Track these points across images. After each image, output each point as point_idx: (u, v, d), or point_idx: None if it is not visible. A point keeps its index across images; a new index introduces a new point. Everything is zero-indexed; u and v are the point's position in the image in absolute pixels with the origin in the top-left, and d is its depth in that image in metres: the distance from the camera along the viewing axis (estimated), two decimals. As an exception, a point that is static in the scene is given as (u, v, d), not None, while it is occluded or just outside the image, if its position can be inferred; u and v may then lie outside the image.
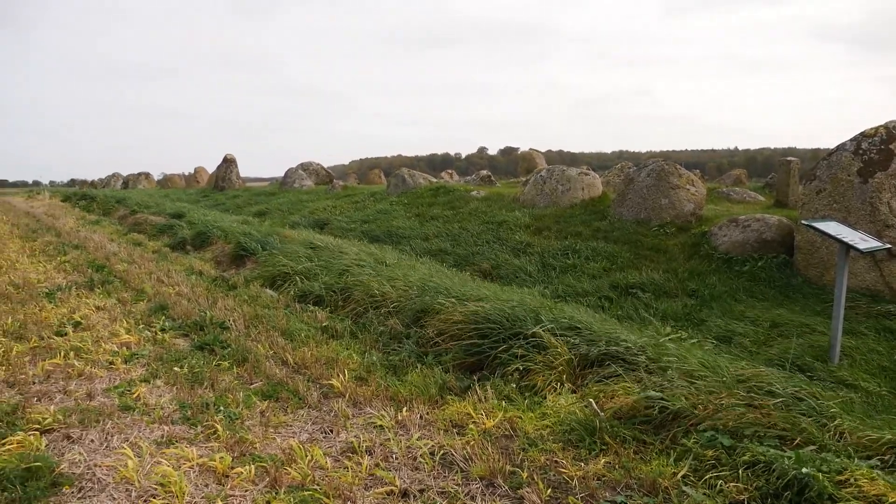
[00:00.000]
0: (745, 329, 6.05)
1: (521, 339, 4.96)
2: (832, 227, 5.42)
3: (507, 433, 3.91)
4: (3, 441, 3.70)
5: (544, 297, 6.56)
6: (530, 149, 28.57)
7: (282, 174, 24.94)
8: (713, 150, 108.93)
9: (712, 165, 64.16)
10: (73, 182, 64.79)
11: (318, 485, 3.31)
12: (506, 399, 4.35)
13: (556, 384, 4.45)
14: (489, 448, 3.63)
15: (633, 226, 10.15)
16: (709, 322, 6.34)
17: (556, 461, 3.53)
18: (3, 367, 5.06)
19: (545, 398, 4.30)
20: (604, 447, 3.64)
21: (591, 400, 4.10)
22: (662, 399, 3.85)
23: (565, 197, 12.50)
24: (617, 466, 3.44)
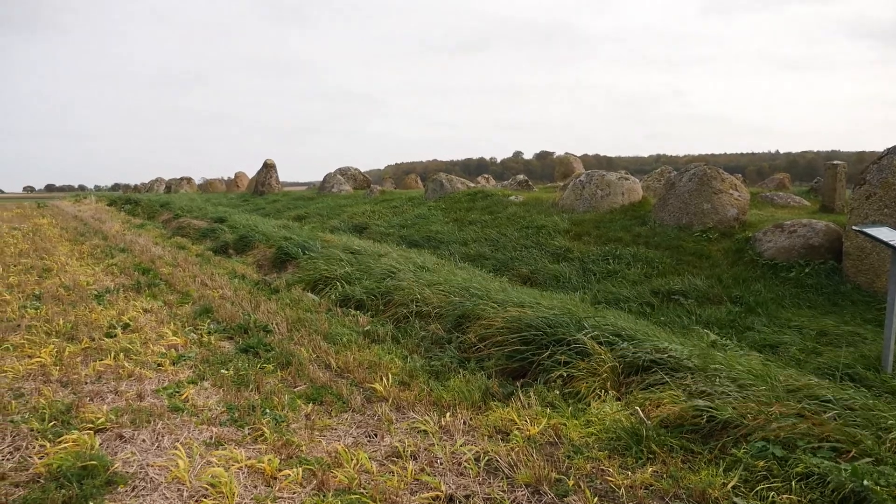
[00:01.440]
0: (792, 337, 5.93)
1: (564, 345, 4.93)
2: (884, 233, 5.29)
3: (551, 440, 3.88)
4: (60, 440, 3.81)
5: (585, 303, 6.52)
6: (567, 153, 28.45)
7: (320, 178, 25.22)
8: (752, 154, 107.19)
9: (752, 169, 63.07)
10: (117, 186, 66.52)
11: (364, 489, 3.33)
12: (550, 406, 4.33)
13: (600, 391, 4.42)
14: (534, 455, 3.62)
15: (675, 231, 10.02)
16: (754, 329, 6.24)
17: (602, 469, 3.50)
18: (57, 368, 5.21)
19: (589, 405, 4.27)
20: (651, 456, 3.59)
21: (637, 408, 4.06)
22: (710, 408, 3.79)
23: (605, 202, 12.40)
24: (665, 476, 3.39)
